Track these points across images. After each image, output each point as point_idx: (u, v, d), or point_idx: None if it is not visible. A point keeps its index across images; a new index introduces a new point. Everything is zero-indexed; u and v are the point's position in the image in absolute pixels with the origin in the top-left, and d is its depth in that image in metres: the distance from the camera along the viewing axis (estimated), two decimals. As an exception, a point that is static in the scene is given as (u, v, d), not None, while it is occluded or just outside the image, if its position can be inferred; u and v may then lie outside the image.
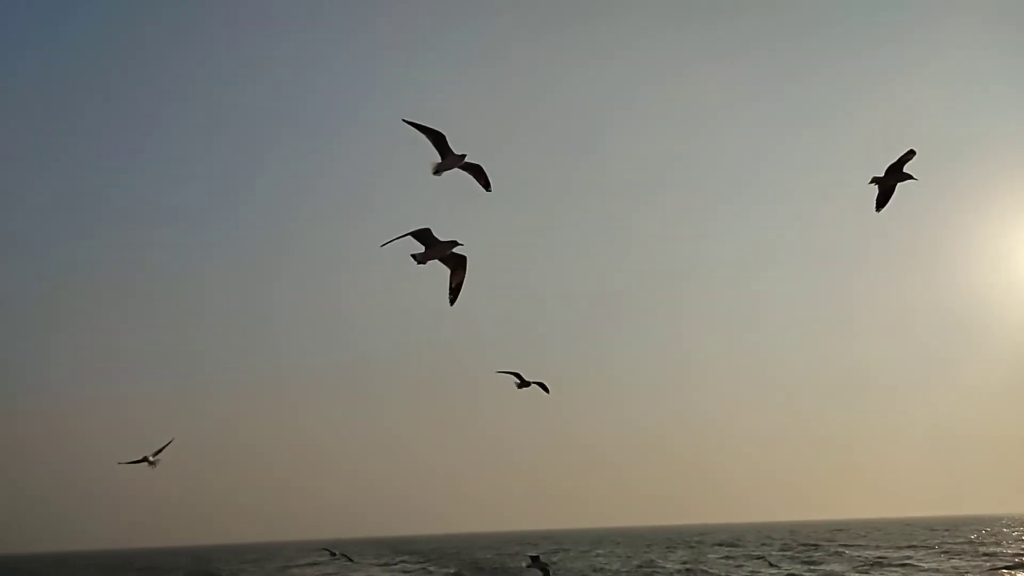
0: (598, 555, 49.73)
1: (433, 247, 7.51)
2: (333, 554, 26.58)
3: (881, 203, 7.90)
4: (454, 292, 7.69)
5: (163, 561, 79.49)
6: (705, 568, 35.01)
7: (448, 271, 7.64)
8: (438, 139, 7.58)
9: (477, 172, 7.94)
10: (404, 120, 7.48)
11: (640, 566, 38.24)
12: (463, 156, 7.73)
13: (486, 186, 7.97)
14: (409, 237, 7.36)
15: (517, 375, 10.01)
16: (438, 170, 7.73)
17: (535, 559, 12.45)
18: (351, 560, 29.19)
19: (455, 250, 7.58)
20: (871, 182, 7.84)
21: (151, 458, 10.14)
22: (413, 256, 7.52)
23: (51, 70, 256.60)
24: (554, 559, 50.06)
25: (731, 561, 39.29)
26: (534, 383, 10.17)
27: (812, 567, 34.16)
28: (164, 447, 10.30)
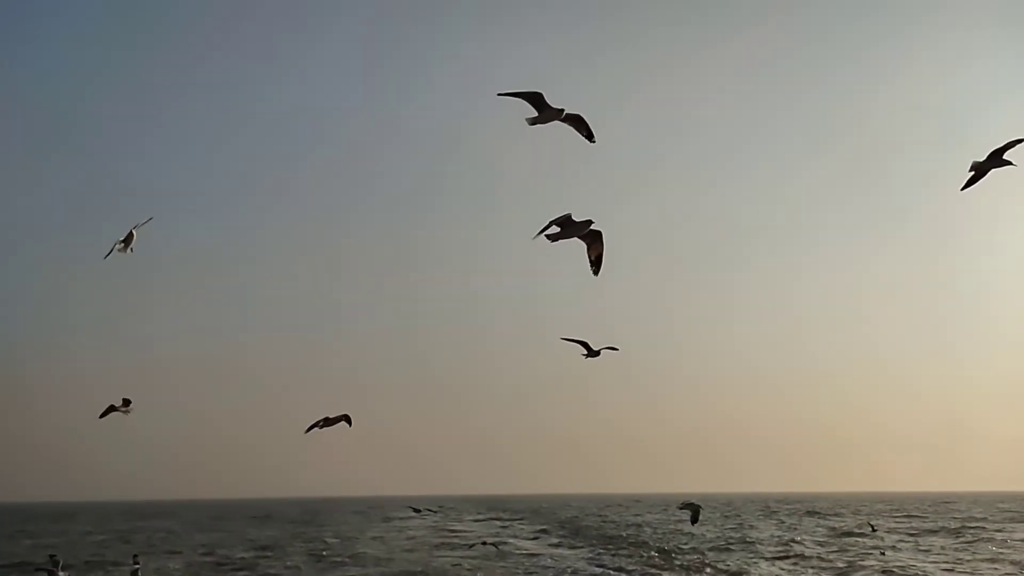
0: (678, 519, 49.92)
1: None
2: (417, 510, 27.78)
3: (968, 184, 7.73)
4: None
5: (274, 510, 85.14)
6: (808, 537, 34.83)
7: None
8: (535, 98, 7.45)
9: (578, 123, 7.65)
10: (499, 93, 7.38)
11: (733, 529, 38.38)
12: (562, 110, 7.50)
13: (589, 137, 7.68)
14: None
15: (585, 344, 9.60)
16: (534, 122, 7.57)
17: (688, 504, 13.62)
18: (433, 512, 30.45)
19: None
20: (971, 168, 7.67)
21: (122, 408, 10.22)
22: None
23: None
24: (649, 518, 50.68)
25: (829, 528, 38.87)
26: (603, 349, 9.68)
27: (912, 536, 33.46)
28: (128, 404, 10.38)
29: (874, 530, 35.03)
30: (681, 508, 14.14)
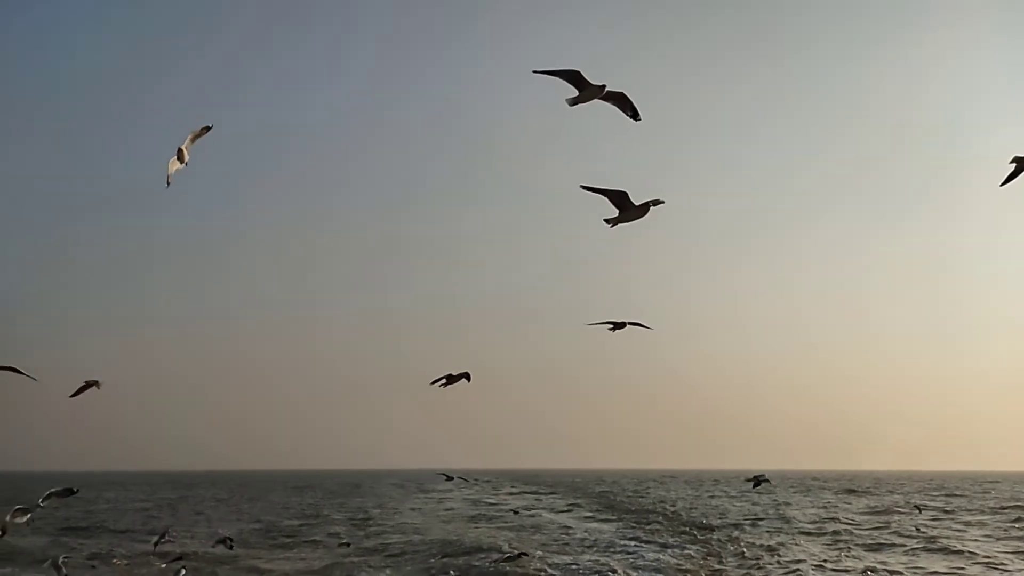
0: (711, 495, 50.13)
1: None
2: (449, 478, 28.64)
3: (1009, 179, 7.61)
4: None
5: (314, 481, 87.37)
6: (845, 514, 34.78)
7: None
8: (574, 76, 7.08)
9: (621, 101, 7.25)
10: (535, 71, 7.05)
11: (768, 506, 38.52)
12: (603, 87, 7.11)
13: (634, 116, 7.27)
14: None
15: (610, 322, 9.41)
16: (575, 102, 7.21)
17: (758, 476, 14.25)
18: (466, 481, 31.45)
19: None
20: (1012, 161, 7.56)
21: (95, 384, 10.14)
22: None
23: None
24: (685, 494, 50.98)
25: (868, 506, 38.77)
26: (629, 323, 9.42)
27: (950, 514, 33.28)
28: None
29: (920, 511, 34.94)
30: (748, 480, 14.60)
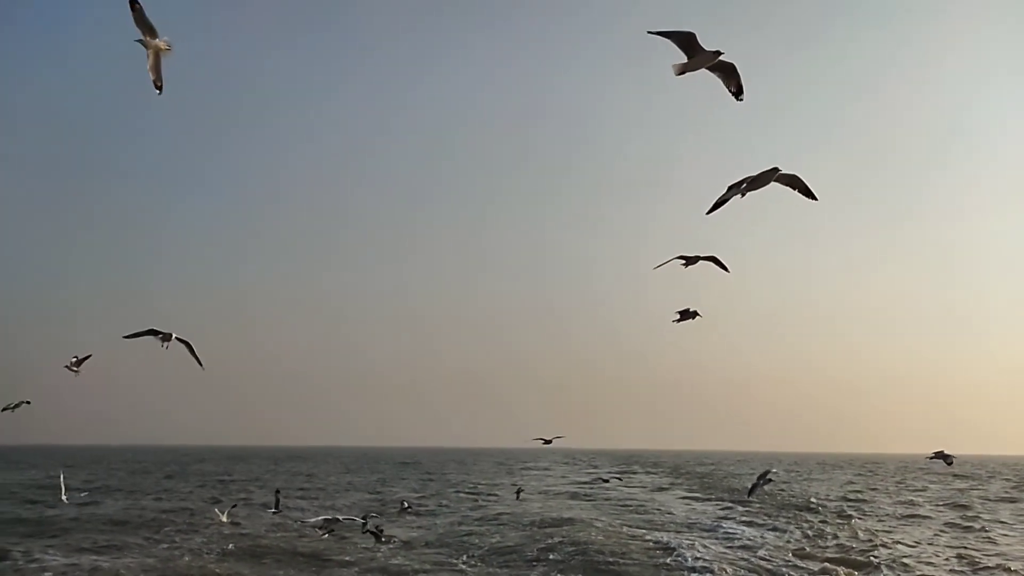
0: (817, 479, 48.95)
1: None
2: (547, 441, 29.75)
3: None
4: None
5: (420, 457, 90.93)
6: (978, 491, 33.59)
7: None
8: (688, 39, 6.51)
9: (728, 74, 6.63)
10: (649, 31, 6.54)
11: (893, 490, 37.57)
12: (717, 53, 6.51)
13: (738, 92, 6.67)
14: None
15: (681, 257, 8.73)
16: (683, 70, 6.63)
17: (942, 453, 14.56)
18: (549, 442, 32.82)
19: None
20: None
21: (74, 366, 10.03)
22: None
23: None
24: (789, 476, 49.98)
25: (992, 491, 37.23)
26: (703, 258, 8.74)
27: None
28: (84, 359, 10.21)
29: None
30: (932, 458, 14.79)
